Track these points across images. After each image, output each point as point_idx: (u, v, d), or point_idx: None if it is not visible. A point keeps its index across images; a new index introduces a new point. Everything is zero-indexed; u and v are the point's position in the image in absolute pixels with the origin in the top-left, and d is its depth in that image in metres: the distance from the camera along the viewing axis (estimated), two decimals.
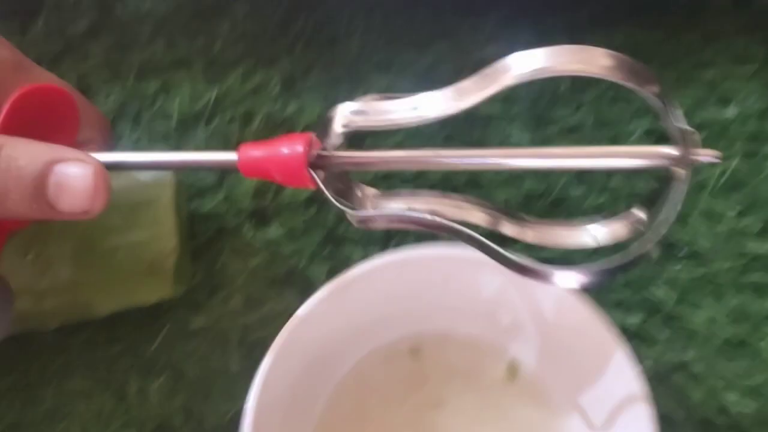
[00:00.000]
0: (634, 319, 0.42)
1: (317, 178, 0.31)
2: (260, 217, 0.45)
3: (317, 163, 0.31)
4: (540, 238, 0.34)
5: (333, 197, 0.31)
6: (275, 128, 0.47)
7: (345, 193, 0.34)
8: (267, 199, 0.45)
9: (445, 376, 0.39)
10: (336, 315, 0.36)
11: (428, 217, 0.31)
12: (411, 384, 0.39)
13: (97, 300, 0.41)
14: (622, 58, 0.28)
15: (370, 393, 0.39)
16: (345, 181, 0.34)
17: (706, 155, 0.29)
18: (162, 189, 0.43)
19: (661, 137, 0.47)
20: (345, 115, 0.31)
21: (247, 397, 0.34)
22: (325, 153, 0.31)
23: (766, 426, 0.40)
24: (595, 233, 0.33)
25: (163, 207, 0.42)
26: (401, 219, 0.31)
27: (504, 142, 0.47)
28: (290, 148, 0.31)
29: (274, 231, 0.45)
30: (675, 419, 0.40)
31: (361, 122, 0.31)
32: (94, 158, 0.31)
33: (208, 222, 0.45)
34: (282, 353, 0.35)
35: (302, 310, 0.35)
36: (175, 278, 0.41)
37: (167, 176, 0.43)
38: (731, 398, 0.41)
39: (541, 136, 0.47)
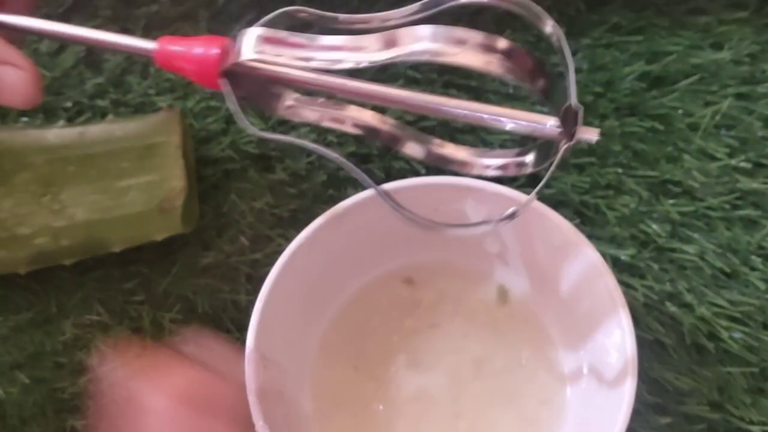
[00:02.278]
0: (626, 253, 0.47)
1: (227, 86, 0.32)
2: (265, 162, 0.50)
3: (232, 69, 0.32)
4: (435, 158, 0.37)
5: (238, 109, 0.33)
6: None
7: (263, 95, 0.35)
8: (271, 144, 0.50)
9: (438, 301, 0.44)
10: (333, 243, 0.41)
11: (311, 145, 0.34)
12: (407, 309, 0.44)
13: (111, 237, 0.46)
14: (519, 52, 0.28)
15: (369, 317, 0.44)
16: (265, 83, 0.35)
17: (586, 133, 0.31)
18: (170, 134, 0.47)
19: (656, 79, 0.52)
20: (254, 40, 0.31)
21: (251, 316, 0.38)
22: (239, 62, 0.32)
23: (754, 350, 0.44)
24: (487, 167, 0.36)
25: (172, 150, 0.47)
26: (292, 142, 0.36)
27: (501, 88, 0.52)
28: (205, 49, 0.32)
29: (278, 175, 0.49)
30: (666, 344, 0.45)
31: (271, 55, 0.31)
32: (28, 62, 0.34)
33: (215, 166, 0.50)
34: (282, 276, 0.39)
35: (300, 238, 0.40)
36: (184, 216, 0.46)
37: (175, 121, 0.47)
38: (722, 325, 0.45)
39: None
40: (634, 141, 0.50)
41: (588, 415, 0.40)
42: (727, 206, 0.48)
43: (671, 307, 0.46)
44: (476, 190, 0.40)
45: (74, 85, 0.52)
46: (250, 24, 0.53)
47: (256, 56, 0.31)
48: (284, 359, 0.39)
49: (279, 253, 0.40)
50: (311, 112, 0.36)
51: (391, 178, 0.42)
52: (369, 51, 0.30)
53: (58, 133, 0.48)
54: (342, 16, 0.33)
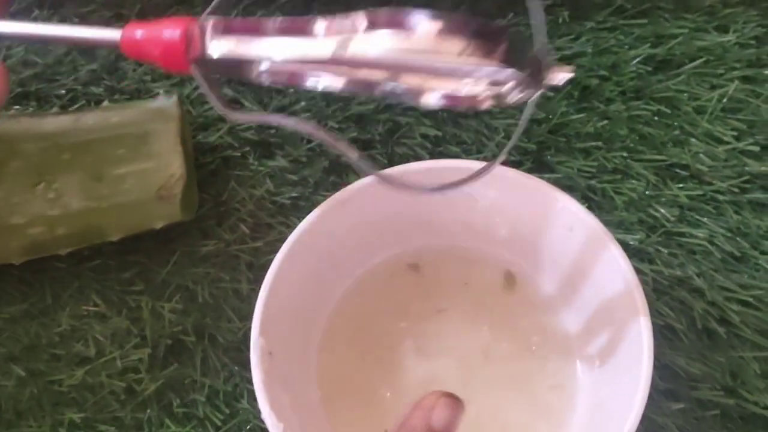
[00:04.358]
0: (635, 238, 0.46)
1: (197, 72, 0.32)
2: (264, 148, 0.49)
3: (197, 56, 0.32)
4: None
5: (212, 92, 0.33)
6: None
7: (235, 68, 0.34)
8: (270, 131, 0.50)
9: (444, 287, 0.44)
10: (338, 228, 0.41)
11: (291, 122, 0.34)
12: (412, 295, 0.44)
13: (108, 226, 0.45)
14: (470, 25, 0.29)
15: (374, 303, 0.43)
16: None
17: (561, 71, 0.31)
18: (168, 120, 0.47)
19: (662, 62, 0.51)
20: (212, 31, 0.32)
21: (256, 303, 0.38)
22: (203, 54, 0.32)
23: (766, 334, 0.44)
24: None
25: (170, 137, 0.46)
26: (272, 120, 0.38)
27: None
28: (170, 32, 0.32)
29: (278, 161, 0.49)
30: (677, 329, 0.44)
31: (234, 47, 0.32)
32: None
33: (214, 153, 0.49)
34: (286, 263, 0.39)
35: (303, 224, 0.39)
36: (183, 204, 0.45)
37: (173, 107, 0.47)
38: (732, 309, 0.45)
39: None
40: (641, 125, 0.49)
41: (601, 401, 0.40)
42: (735, 190, 0.48)
43: (681, 292, 0.45)
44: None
45: (67, 72, 0.52)
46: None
47: (222, 53, 0.32)
48: (289, 347, 0.39)
49: (281, 241, 0.40)
50: (282, 75, 0.34)
51: (394, 164, 0.42)
52: (319, 40, 0.31)
53: (51, 121, 0.48)
54: None
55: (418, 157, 0.48)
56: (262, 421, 0.36)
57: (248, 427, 0.43)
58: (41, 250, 0.45)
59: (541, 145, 0.49)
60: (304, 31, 0.31)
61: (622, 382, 0.37)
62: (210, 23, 0.32)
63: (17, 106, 0.51)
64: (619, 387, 0.38)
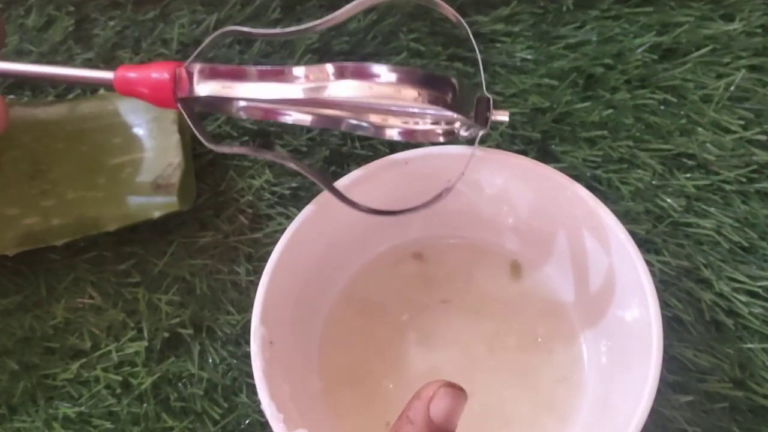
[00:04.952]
0: (641, 228, 0.46)
1: (181, 107, 0.37)
2: (263, 138, 0.48)
3: (185, 96, 0.37)
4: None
5: (197, 130, 0.38)
6: (276, 51, 0.51)
7: (216, 105, 0.40)
8: (270, 120, 0.49)
9: (449, 278, 0.43)
10: (339, 218, 0.40)
11: (271, 154, 0.40)
12: (416, 285, 0.43)
13: (104, 216, 0.44)
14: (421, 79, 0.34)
15: (377, 294, 0.43)
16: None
17: (499, 116, 0.37)
18: (165, 109, 0.46)
19: (667, 51, 0.51)
20: (199, 75, 0.37)
21: (257, 291, 0.37)
22: (190, 94, 0.37)
23: None
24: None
25: (168, 125, 0.45)
26: (252, 151, 0.42)
27: (508, 60, 0.51)
28: (158, 75, 0.37)
29: (278, 151, 0.48)
30: (685, 321, 0.43)
31: (218, 89, 0.37)
32: None
33: None
34: (287, 252, 0.38)
35: (304, 213, 0.39)
36: (181, 194, 0.44)
37: None
38: (741, 300, 0.44)
39: (545, 52, 0.51)
40: (647, 114, 0.49)
41: (608, 394, 0.39)
42: (743, 179, 0.47)
43: (689, 283, 0.44)
44: (490, 160, 0.39)
45: (63, 61, 0.51)
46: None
47: (208, 93, 0.37)
48: (290, 337, 0.38)
49: (280, 232, 0.39)
50: (258, 111, 0.40)
51: (396, 152, 0.41)
52: (295, 85, 0.35)
53: (47, 110, 0.47)
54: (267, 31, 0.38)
55: (419, 146, 0.47)
56: (262, 415, 0.35)
57: (247, 421, 0.42)
58: (36, 241, 0.44)
59: (545, 135, 0.48)
60: (281, 77, 0.36)
61: (630, 375, 0.37)
62: (197, 67, 0.37)
63: (12, 96, 0.50)
64: (626, 380, 0.37)
